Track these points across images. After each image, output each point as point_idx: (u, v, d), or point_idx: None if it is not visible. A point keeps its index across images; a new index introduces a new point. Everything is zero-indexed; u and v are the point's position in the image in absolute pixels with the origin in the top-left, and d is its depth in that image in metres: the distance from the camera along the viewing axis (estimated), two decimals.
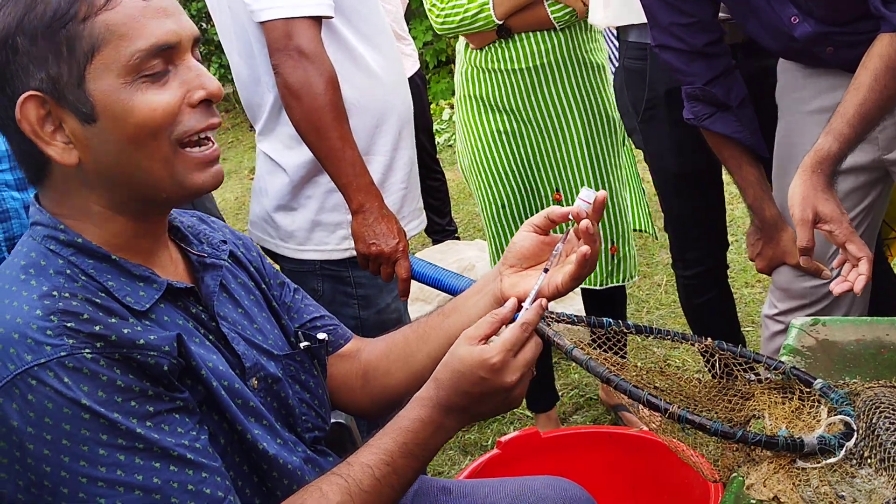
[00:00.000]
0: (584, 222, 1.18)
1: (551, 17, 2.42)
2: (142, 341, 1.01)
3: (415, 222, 2.07)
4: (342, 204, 1.88)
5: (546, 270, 1.20)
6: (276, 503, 1.11)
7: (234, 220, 5.73)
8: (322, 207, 1.96)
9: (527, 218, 2.49)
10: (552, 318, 1.44)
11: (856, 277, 1.53)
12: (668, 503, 2.06)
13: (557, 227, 1.29)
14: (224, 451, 1.09)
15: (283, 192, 1.98)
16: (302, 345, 1.28)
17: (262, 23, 1.79)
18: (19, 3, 1.01)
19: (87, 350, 0.97)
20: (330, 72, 1.78)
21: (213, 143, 1.10)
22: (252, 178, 5.25)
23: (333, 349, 1.37)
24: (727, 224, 4.15)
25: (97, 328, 0.99)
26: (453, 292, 1.65)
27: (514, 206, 2.61)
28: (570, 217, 1.22)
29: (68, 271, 1.04)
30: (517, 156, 2.55)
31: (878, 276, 2.16)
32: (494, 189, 2.60)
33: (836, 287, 1.56)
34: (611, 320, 1.39)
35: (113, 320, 1.01)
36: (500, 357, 1.07)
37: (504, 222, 2.64)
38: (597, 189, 2.45)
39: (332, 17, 1.81)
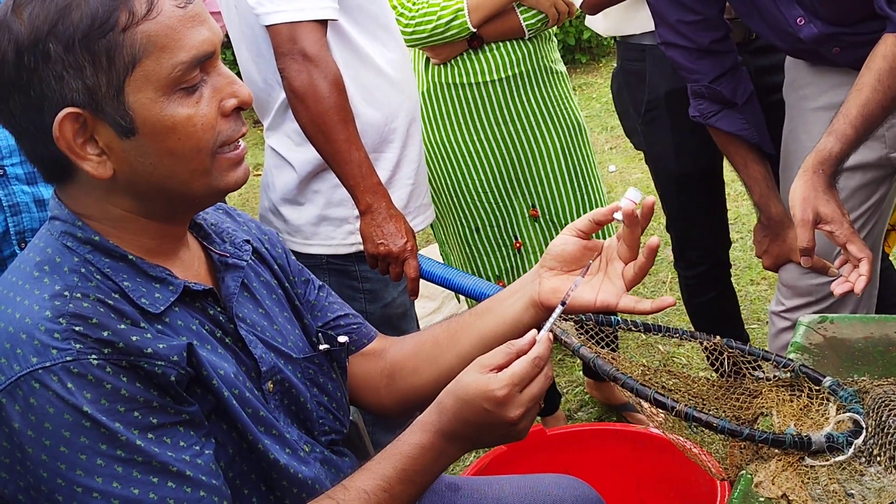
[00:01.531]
0: (646, 207, 1.19)
1: (523, 24, 2.35)
2: (150, 350, 0.99)
3: (421, 217, 2.07)
4: (349, 199, 1.88)
5: (563, 304, 1.16)
6: None
7: None
8: (329, 202, 1.96)
9: (502, 239, 2.51)
10: (559, 316, 1.44)
11: (857, 278, 1.53)
12: (673, 500, 2.06)
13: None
14: (232, 461, 1.07)
15: (290, 187, 1.99)
16: (322, 347, 1.26)
17: (267, 26, 1.80)
18: (48, 5, 0.97)
19: (94, 356, 0.96)
20: (335, 74, 1.79)
21: (242, 142, 1.10)
22: (257, 175, 5.24)
23: (356, 348, 1.35)
24: (731, 222, 4.16)
25: (105, 333, 0.97)
26: (462, 291, 1.65)
27: (488, 228, 2.50)
28: (616, 217, 1.20)
29: (83, 270, 1.03)
30: (490, 174, 2.44)
31: (882, 273, 2.16)
32: (467, 210, 2.49)
33: (837, 288, 1.56)
34: (619, 318, 1.39)
35: (122, 326, 0.99)
36: (505, 391, 1.04)
37: (478, 245, 2.53)
38: (578, 200, 2.44)
39: (336, 20, 1.82)
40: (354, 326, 1.36)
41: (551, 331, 1.31)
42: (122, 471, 0.96)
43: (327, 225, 1.98)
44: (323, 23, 1.80)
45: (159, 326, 1.04)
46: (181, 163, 1.04)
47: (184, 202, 1.09)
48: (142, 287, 1.05)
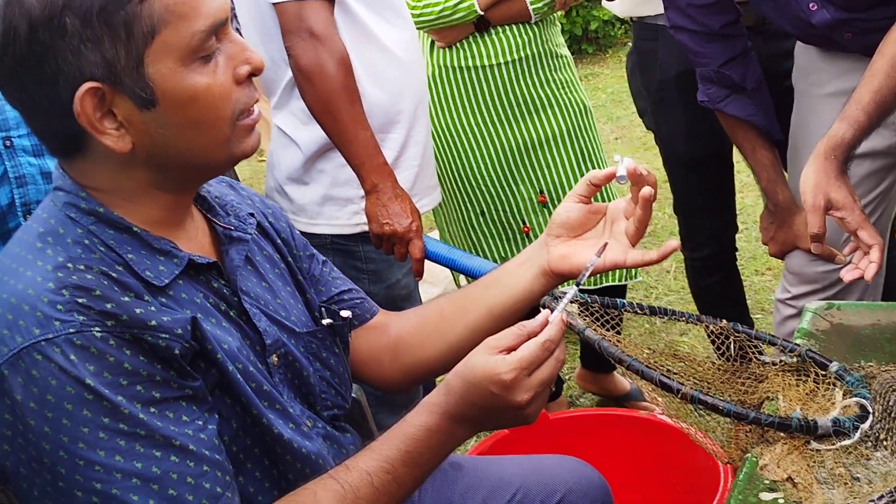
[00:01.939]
0: (646, 189, 1.19)
1: (530, 8, 2.33)
2: (154, 322, 0.98)
3: (428, 199, 2.07)
4: (354, 179, 1.87)
5: (577, 284, 1.13)
6: (288, 486, 1.09)
7: None
8: (334, 182, 1.95)
9: (508, 223, 2.49)
10: (563, 293, 1.44)
11: (867, 265, 1.52)
12: (676, 485, 2.06)
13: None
14: (235, 435, 1.07)
15: (296, 167, 1.98)
16: (325, 321, 1.25)
17: (274, 4, 1.79)
18: None
19: (97, 328, 0.95)
20: (342, 53, 1.78)
21: (255, 109, 1.09)
22: (260, 161, 5.22)
23: (359, 323, 1.34)
24: (737, 211, 4.15)
25: (109, 306, 0.96)
26: (467, 273, 1.64)
27: (493, 212, 2.48)
28: (620, 175, 1.21)
29: (86, 241, 1.01)
30: (495, 158, 2.42)
31: (889, 261, 2.15)
32: (472, 194, 2.47)
33: (847, 274, 1.54)
34: (625, 301, 1.39)
35: (126, 298, 0.98)
36: (513, 375, 1.01)
37: (483, 229, 2.51)
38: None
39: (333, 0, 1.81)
40: (357, 301, 1.35)
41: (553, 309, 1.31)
42: (125, 444, 0.95)
43: (332, 205, 1.97)
44: (330, 1, 1.79)
45: (163, 299, 1.03)
46: (202, 132, 1.03)
47: (201, 171, 1.09)
48: (146, 259, 1.03)
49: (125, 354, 0.96)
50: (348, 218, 1.97)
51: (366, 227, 1.90)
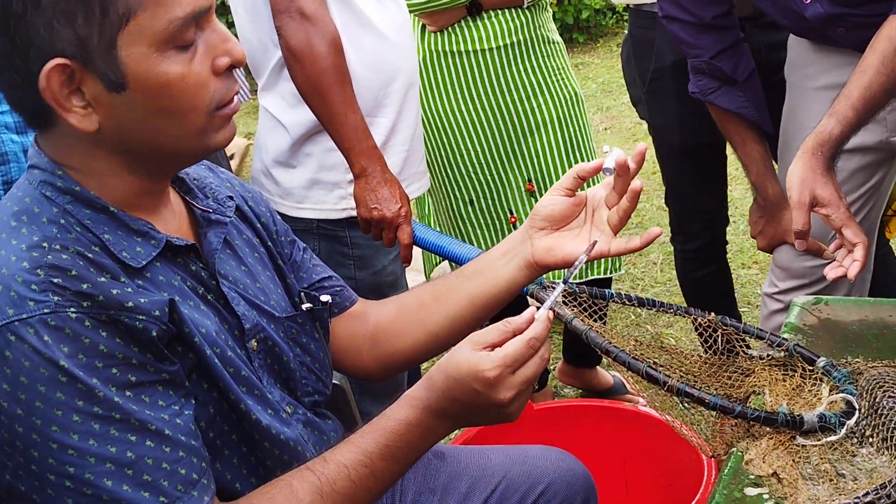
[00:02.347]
0: (637, 182, 1.19)
1: None
2: (130, 304, 0.96)
3: (416, 185, 2.05)
4: (342, 163, 1.86)
5: (565, 282, 1.12)
6: (266, 472, 1.08)
7: None
8: (321, 166, 1.93)
9: (496, 213, 2.47)
10: (553, 287, 1.42)
11: (850, 263, 1.51)
12: (659, 478, 2.06)
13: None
14: (213, 421, 1.05)
15: (283, 149, 1.96)
16: (304, 306, 1.23)
17: None
18: None
19: (73, 309, 0.93)
20: (332, 34, 1.76)
21: (234, 99, 1.07)
22: (249, 144, 5.18)
23: (339, 311, 1.33)
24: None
25: (85, 286, 0.94)
26: (455, 259, 1.63)
27: (482, 200, 2.46)
28: (607, 169, 1.20)
29: (62, 221, 0.99)
30: (486, 144, 2.40)
31: (879, 258, 2.15)
32: (461, 181, 2.45)
33: (831, 272, 1.54)
34: (612, 292, 1.38)
35: (102, 279, 0.96)
36: (496, 372, 0.99)
37: (471, 218, 2.49)
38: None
39: None
40: (337, 289, 1.34)
41: (542, 299, 1.29)
42: (99, 428, 0.93)
43: (319, 189, 1.95)
44: None
45: (140, 281, 1.01)
46: (173, 120, 1.01)
47: (171, 159, 1.06)
48: (123, 240, 1.02)
49: (101, 336, 0.94)
50: (335, 203, 1.95)
51: (353, 213, 1.89)
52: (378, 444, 1.03)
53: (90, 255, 0.98)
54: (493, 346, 1.02)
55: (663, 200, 2.58)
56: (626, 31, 2.54)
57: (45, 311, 0.92)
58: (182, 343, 1.02)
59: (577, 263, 1.15)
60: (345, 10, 1.84)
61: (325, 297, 1.26)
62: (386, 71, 1.92)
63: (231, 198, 1.21)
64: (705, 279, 2.51)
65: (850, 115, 1.59)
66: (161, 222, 1.09)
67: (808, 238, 1.57)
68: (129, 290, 0.98)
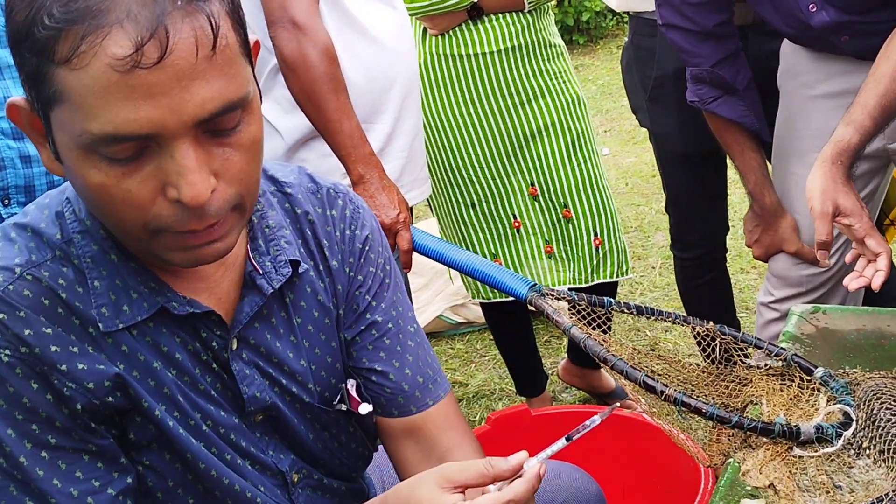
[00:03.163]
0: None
1: None
2: (63, 367, 0.88)
3: (416, 191, 2.04)
4: (337, 169, 1.86)
5: (568, 439, 1.00)
6: None
7: None
8: (316, 172, 1.93)
9: (499, 217, 2.46)
10: (551, 295, 1.42)
11: (873, 273, 1.49)
12: (657, 485, 2.05)
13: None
14: (172, 492, 0.98)
15: (278, 155, 1.97)
16: (342, 407, 1.09)
17: None
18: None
19: (8, 351, 0.87)
20: (325, 43, 1.76)
21: (209, 228, 0.87)
22: None
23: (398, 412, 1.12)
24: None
25: (26, 332, 0.87)
26: (455, 266, 1.62)
27: (485, 204, 2.45)
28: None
29: (58, 252, 0.92)
30: (488, 148, 2.39)
31: None
32: (463, 185, 2.44)
33: (853, 283, 1.52)
34: (612, 300, 1.38)
35: (48, 330, 0.88)
36: None
37: (474, 222, 2.48)
38: (577, 177, 2.41)
39: None
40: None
41: (543, 308, 1.29)
42: (0, 482, 0.88)
43: None
44: None
45: (112, 341, 0.93)
46: (107, 219, 0.88)
47: (141, 254, 0.93)
48: (111, 293, 0.92)
49: (30, 388, 0.88)
50: None
51: None
52: None
53: (65, 295, 0.91)
54: (465, 488, 0.89)
55: (663, 205, 2.58)
56: (626, 34, 2.54)
57: None
58: (140, 414, 0.95)
59: (589, 424, 1.01)
60: (338, 16, 1.85)
61: (364, 409, 1.09)
62: (381, 77, 1.92)
63: (297, 262, 1.04)
64: (704, 287, 2.51)
65: (867, 123, 1.58)
66: (192, 279, 0.97)
67: (831, 249, 1.56)
68: (75, 349, 0.90)
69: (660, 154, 2.44)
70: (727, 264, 3.59)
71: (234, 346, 1.00)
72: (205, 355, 0.99)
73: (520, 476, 0.91)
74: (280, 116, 1.94)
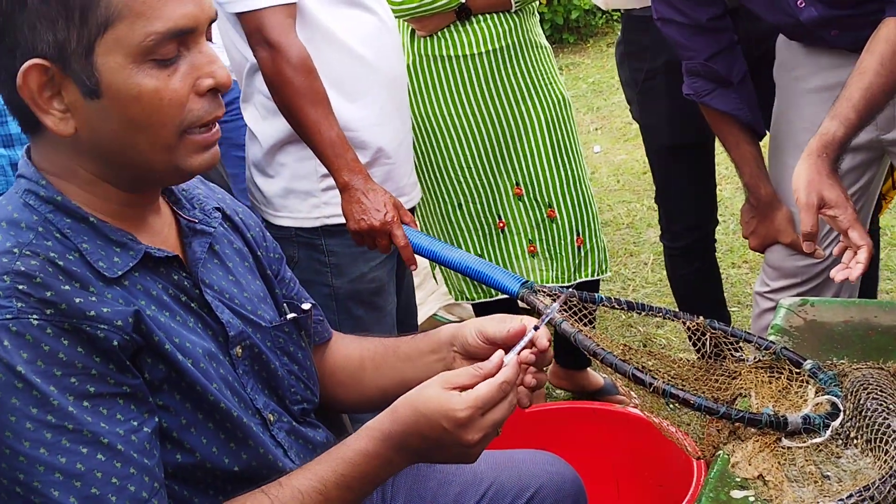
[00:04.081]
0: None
1: None
2: (92, 313, 0.96)
3: (404, 198, 2.05)
4: (314, 172, 1.91)
5: (536, 328, 1.14)
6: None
7: None
8: (294, 175, 1.98)
9: (485, 217, 2.48)
10: (543, 292, 1.43)
11: (854, 265, 1.52)
12: (649, 480, 2.06)
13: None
14: (186, 430, 1.05)
15: (259, 159, 2.02)
16: (289, 316, 1.24)
17: (237, 15, 1.83)
18: None
19: (35, 316, 0.94)
20: (299, 57, 1.81)
21: (216, 125, 1.06)
22: None
23: (319, 340, 1.34)
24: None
25: (48, 294, 0.95)
26: (448, 264, 1.63)
27: (471, 204, 2.46)
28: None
29: (41, 228, 1.00)
30: (475, 149, 2.40)
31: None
32: (450, 186, 2.45)
33: (839, 274, 1.54)
34: (602, 296, 1.39)
35: (67, 287, 0.96)
36: (467, 413, 1.01)
37: (460, 223, 2.49)
38: (562, 177, 2.42)
39: (294, 3, 1.83)
40: (320, 319, 1.35)
41: (534, 304, 1.30)
42: (51, 437, 0.93)
43: (294, 198, 1.99)
44: (286, 6, 1.81)
45: (117, 289, 1.02)
46: (143, 134, 1.01)
47: (144, 175, 1.06)
48: (101, 250, 1.02)
49: (62, 345, 0.94)
50: (309, 211, 1.99)
51: (328, 221, 1.95)
52: (335, 473, 1.04)
53: (62, 262, 0.98)
54: (463, 389, 1.03)
55: (653, 200, 2.60)
56: (615, 32, 2.56)
57: (8, 316, 0.93)
58: (152, 354, 1.02)
59: (549, 311, 1.16)
60: (304, 26, 1.87)
61: (306, 305, 1.28)
62: (357, 85, 1.94)
63: (218, 209, 1.22)
64: (692, 276, 2.54)
65: (852, 116, 1.60)
66: (147, 233, 1.09)
67: (817, 240, 1.58)
68: (94, 299, 0.98)
69: (649, 145, 2.47)
70: (719, 259, 3.60)
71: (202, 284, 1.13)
72: (183, 296, 1.09)
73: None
74: (258, 122, 1.99)
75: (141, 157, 1.03)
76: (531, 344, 1.13)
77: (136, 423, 0.98)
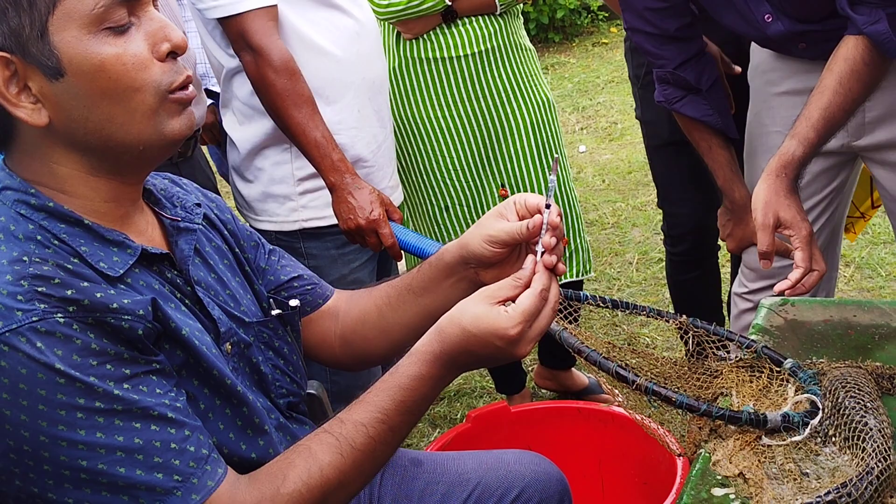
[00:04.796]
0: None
1: None
2: (115, 305, 0.99)
3: None
4: (290, 176, 1.94)
5: (548, 206, 1.11)
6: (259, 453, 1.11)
7: None
8: (272, 179, 2.00)
9: (472, 218, 2.47)
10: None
11: (784, 280, 1.57)
12: (634, 478, 2.08)
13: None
14: (204, 416, 1.07)
15: (238, 164, 2.05)
16: (273, 312, 1.26)
17: (219, 20, 1.85)
18: None
19: (60, 314, 0.96)
20: (282, 60, 1.82)
21: (189, 86, 1.08)
22: None
23: (311, 309, 1.35)
24: None
25: (69, 292, 0.97)
26: None
27: (458, 206, 2.47)
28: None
29: (39, 237, 1.01)
30: (461, 151, 2.41)
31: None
32: (437, 188, 2.46)
33: (777, 286, 1.59)
34: (587, 294, 1.40)
35: (85, 284, 0.99)
36: (518, 328, 1.03)
37: (447, 224, 2.50)
38: (546, 179, 2.44)
39: (275, 5, 1.84)
40: (308, 288, 1.35)
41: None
42: (104, 420, 0.96)
43: (272, 202, 2.02)
44: (267, 8, 1.83)
45: (122, 286, 1.04)
46: (118, 104, 1.02)
47: (127, 151, 1.06)
48: (99, 251, 1.04)
49: (90, 337, 0.97)
50: (287, 215, 2.01)
51: (305, 224, 1.98)
52: (394, 401, 1.07)
53: (69, 265, 1.00)
54: (506, 300, 1.05)
55: (640, 202, 2.61)
56: (601, 31, 2.56)
57: (34, 318, 0.95)
58: (169, 340, 1.05)
59: (550, 185, 1.14)
60: (280, 30, 1.88)
61: (293, 302, 1.29)
62: (331, 88, 1.95)
63: (199, 205, 1.23)
64: (690, 283, 2.56)
65: (811, 135, 1.63)
66: (135, 233, 1.11)
67: (773, 258, 1.62)
68: (112, 292, 1.00)
69: (649, 142, 2.48)
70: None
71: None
72: (178, 293, 1.11)
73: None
74: (235, 127, 2.01)
75: (121, 130, 1.04)
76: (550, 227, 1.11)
77: (173, 394, 1.02)
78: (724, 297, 2.73)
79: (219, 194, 1.77)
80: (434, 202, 2.49)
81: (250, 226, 1.98)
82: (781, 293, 1.58)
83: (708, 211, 2.52)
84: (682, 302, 2.58)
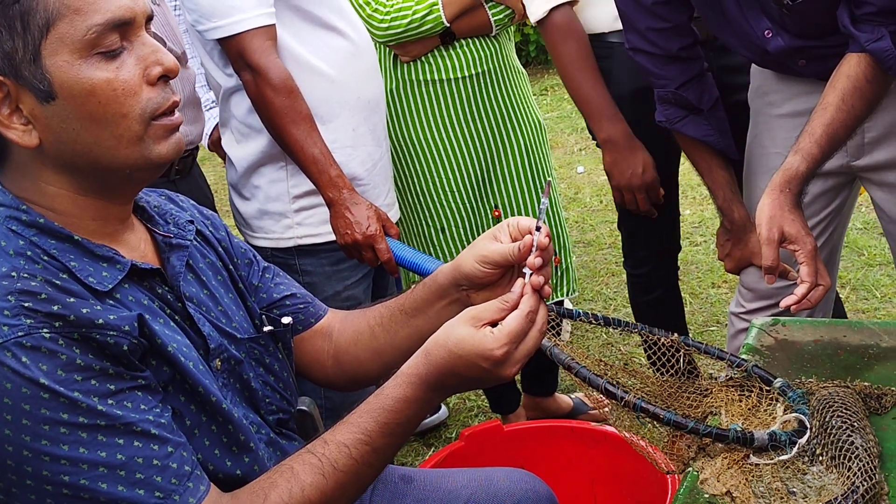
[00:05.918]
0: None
1: (491, 20, 2.35)
2: (101, 321, 0.99)
3: None
4: (285, 193, 1.96)
5: (538, 228, 1.11)
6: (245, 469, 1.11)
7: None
8: (267, 197, 2.02)
9: (467, 240, 2.47)
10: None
11: (789, 297, 1.56)
12: (625, 497, 2.08)
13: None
14: (190, 432, 1.08)
15: (235, 182, 2.07)
16: (265, 329, 1.26)
17: (218, 41, 1.88)
18: None
19: (46, 329, 0.96)
20: (280, 78, 1.85)
21: (175, 112, 1.09)
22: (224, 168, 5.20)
23: (303, 328, 1.35)
24: (695, 225, 4.20)
25: (55, 308, 0.98)
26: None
27: (453, 228, 2.47)
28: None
29: (29, 252, 1.02)
30: (458, 172, 2.42)
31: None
32: (433, 209, 2.46)
33: (784, 301, 1.58)
34: (580, 311, 1.41)
35: (72, 300, 1.00)
36: (503, 350, 1.03)
37: (443, 246, 2.50)
38: (538, 198, 2.46)
39: (273, 25, 1.87)
40: (301, 306, 1.36)
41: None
42: (87, 436, 0.96)
43: (268, 219, 2.03)
44: (265, 28, 1.85)
45: (110, 302, 1.04)
46: (105, 129, 1.03)
47: (114, 174, 1.07)
48: (89, 267, 1.05)
49: (76, 352, 0.98)
50: (282, 232, 2.02)
51: (300, 241, 2.00)
52: (378, 423, 1.06)
53: (58, 281, 1.00)
54: (493, 323, 1.05)
55: (614, 223, 2.62)
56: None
57: (20, 333, 0.95)
58: (156, 356, 1.05)
59: (541, 207, 1.15)
60: (281, 52, 1.90)
61: (286, 319, 1.29)
62: (325, 107, 1.97)
63: (191, 222, 1.24)
64: (653, 304, 2.57)
65: (814, 151, 1.64)
66: (126, 248, 1.12)
67: (778, 273, 1.62)
68: (99, 308, 1.01)
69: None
70: (699, 279, 3.64)
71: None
72: (168, 309, 1.12)
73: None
74: (233, 146, 2.04)
75: (108, 154, 1.05)
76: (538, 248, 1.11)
77: (157, 410, 1.03)
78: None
79: (216, 211, 1.78)
80: (430, 223, 2.50)
81: (247, 242, 2.00)
82: (787, 308, 1.57)
83: (669, 236, 2.54)
84: (646, 323, 2.57)
